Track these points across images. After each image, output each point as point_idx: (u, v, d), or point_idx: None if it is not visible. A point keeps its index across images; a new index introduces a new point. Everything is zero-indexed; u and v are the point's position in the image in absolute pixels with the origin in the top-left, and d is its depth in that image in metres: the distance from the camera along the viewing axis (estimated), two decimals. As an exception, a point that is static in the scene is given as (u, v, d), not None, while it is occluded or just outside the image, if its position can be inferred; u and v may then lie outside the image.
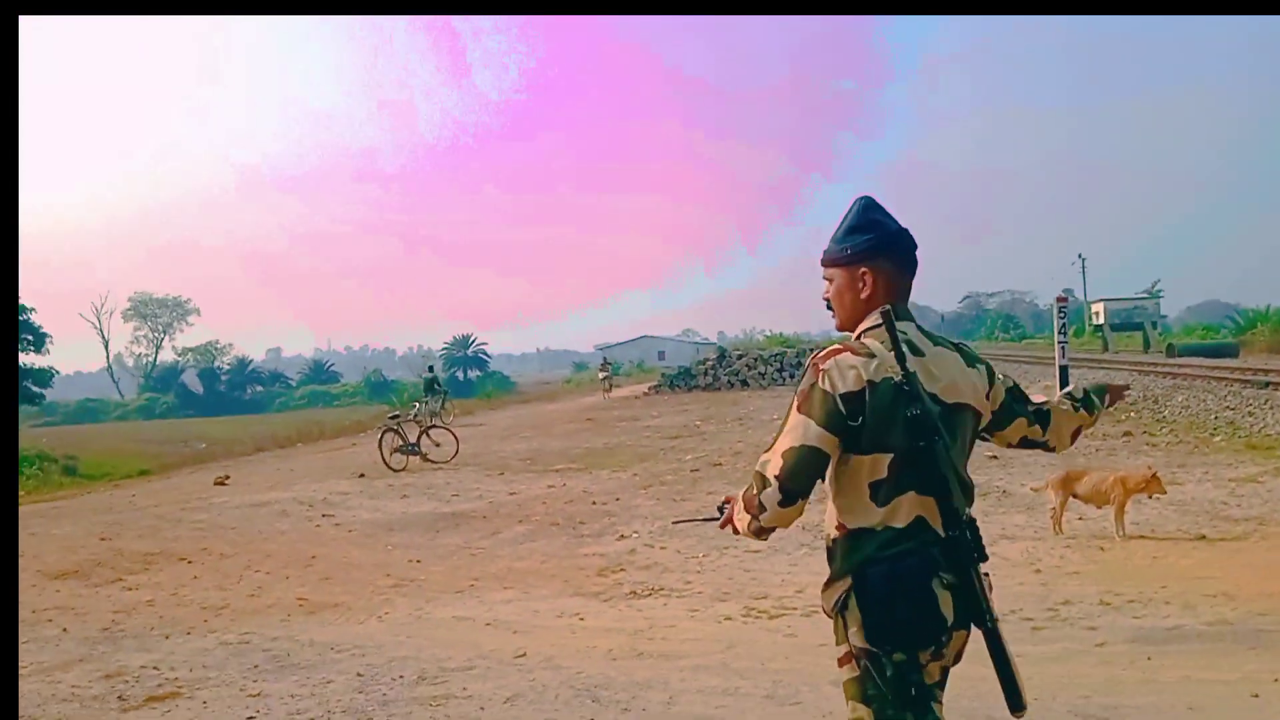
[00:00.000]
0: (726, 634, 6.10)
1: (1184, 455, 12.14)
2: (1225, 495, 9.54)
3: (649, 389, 31.81)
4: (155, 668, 5.88)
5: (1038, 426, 2.53)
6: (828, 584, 2.28)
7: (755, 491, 2.22)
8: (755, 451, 14.77)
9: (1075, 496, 8.36)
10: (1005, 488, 10.60)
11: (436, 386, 28.14)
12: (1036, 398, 2.58)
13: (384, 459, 16.17)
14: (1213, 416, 15.11)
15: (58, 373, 31.38)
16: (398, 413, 19.82)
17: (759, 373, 29.21)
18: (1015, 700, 2.14)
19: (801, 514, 2.22)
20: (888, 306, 2.24)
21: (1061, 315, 17.89)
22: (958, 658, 2.28)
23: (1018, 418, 2.48)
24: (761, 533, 2.27)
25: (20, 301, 29.45)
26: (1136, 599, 6.29)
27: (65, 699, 5.36)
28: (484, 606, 7.19)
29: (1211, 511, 8.90)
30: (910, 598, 2.13)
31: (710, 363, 30.86)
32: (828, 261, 2.39)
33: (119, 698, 5.33)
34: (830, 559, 2.28)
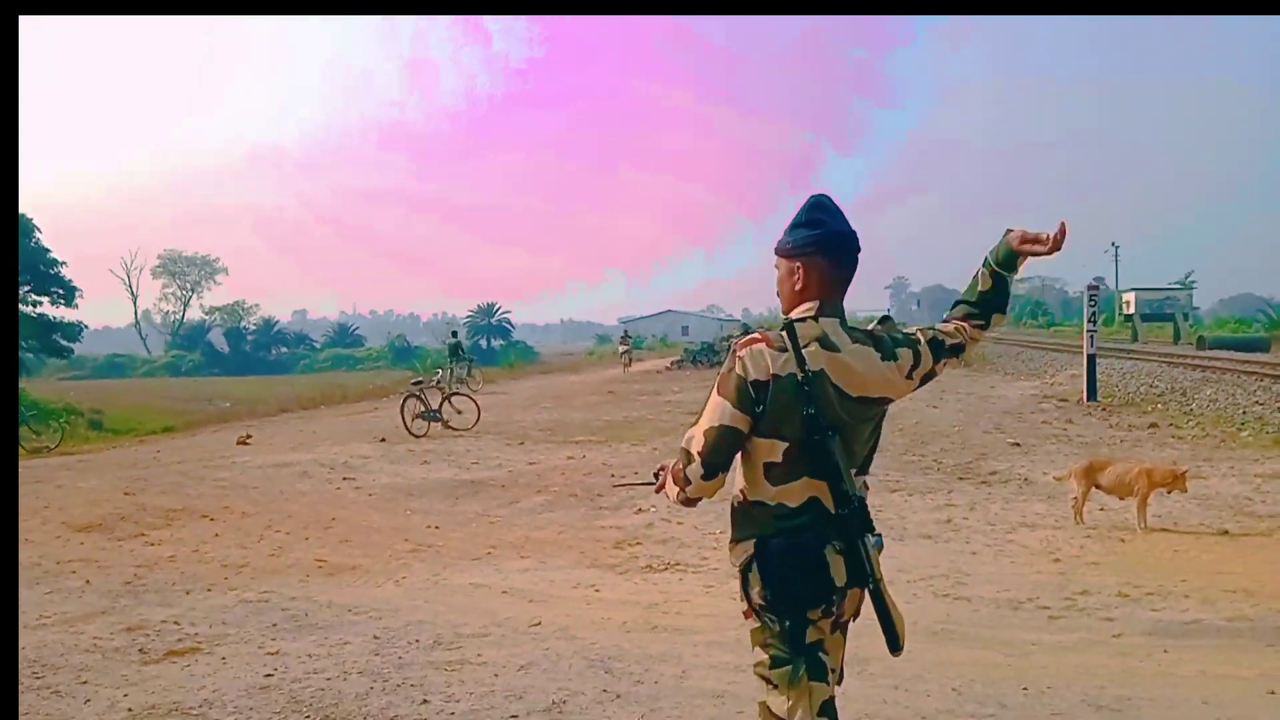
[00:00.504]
0: (740, 611, 6.10)
1: (1210, 449, 12.02)
2: (1250, 491, 9.44)
3: (671, 364, 31.81)
4: (176, 622, 5.97)
5: (957, 355, 2.69)
6: (732, 544, 2.54)
7: (682, 466, 2.47)
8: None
9: (1098, 487, 8.29)
10: (1026, 475, 10.54)
11: (460, 352, 28.26)
12: (946, 327, 2.67)
13: (405, 424, 16.27)
14: (1241, 411, 14.94)
15: (86, 327, 31.70)
16: (421, 378, 19.92)
17: (782, 350, 29.16)
18: (893, 643, 2.49)
19: (723, 485, 2.49)
20: (815, 302, 2.50)
21: (1092, 303, 17.71)
22: (856, 614, 2.56)
23: (942, 360, 2.63)
24: (688, 502, 2.54)
25: (51, 255, 29.80)
26: (1155, 592, 6.24)
27: (87, 649, 5.46)
28: (500, 575, 7.23)
29: (1235, 507, 8.81)
30: (804, 569, 2.41)
31: (733, 339, 30.82)
32: (776, 251, 2.62)
33: (139, 650, 5.42)
34: (732, 521, 2.56)
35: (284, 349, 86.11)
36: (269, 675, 4.90)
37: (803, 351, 2.40)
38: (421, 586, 6.94)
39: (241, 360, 77.85)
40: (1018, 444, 12.42)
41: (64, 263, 29.80)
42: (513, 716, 4.30)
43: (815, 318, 2.48)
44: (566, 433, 16.02)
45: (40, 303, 29.19)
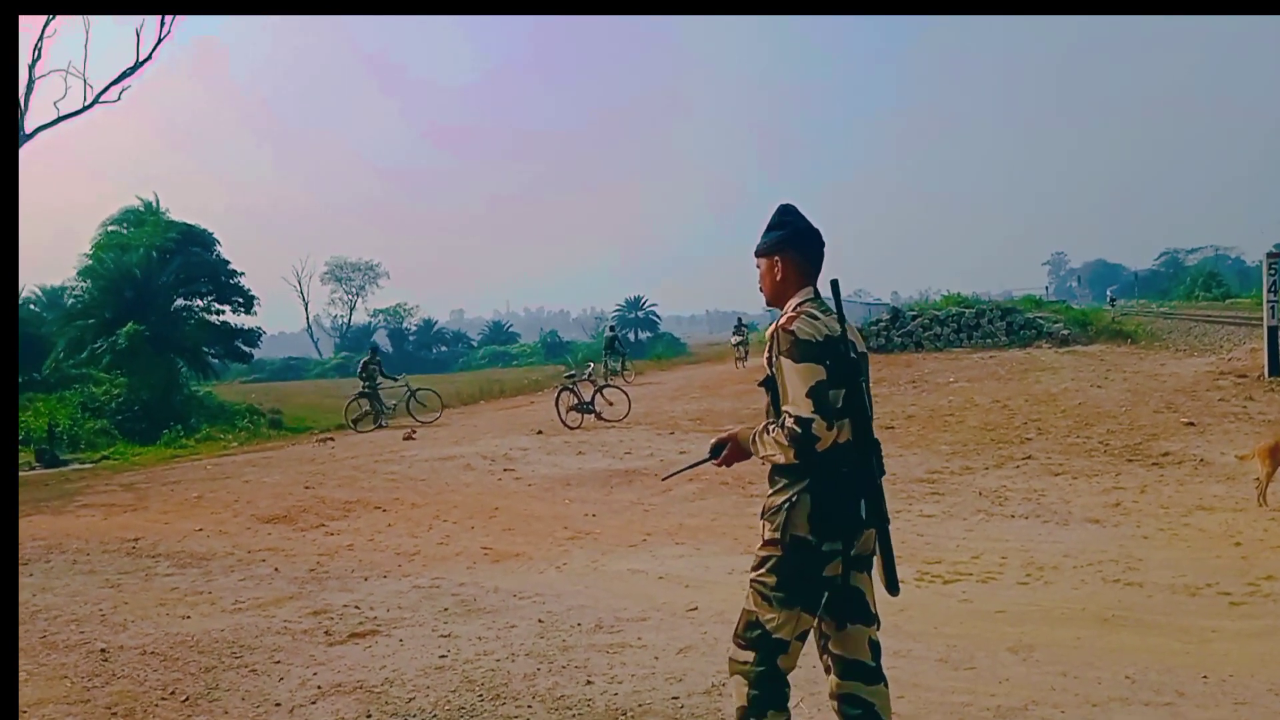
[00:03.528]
0: (899, 597, 6.04)
1: None
2: None
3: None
4: (356, 607, 6.37)
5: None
6: (780, 487, 2.92)
7: (801, 431, 2.77)
8: (929, 415, 14.43)
9: (1285, 467, 7.78)
10: (1202, 456, 9.96)
11: (617, 345, 28.73)
12: None
13: (560, 417, 16.70)
14: None
15: (264, 332, 33.78)
16: (573, 372, 20.36)
17: (934, 334, 28.20)
18: (894, 583, 2.99)
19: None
20: (835, 279, 2.96)
21: (1273, 272, 16.49)
22: (881, 554, 2.98)
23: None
24: (807, 456, 2.82)
25: (231, 266, 31.84)
26: (1352, 578, 5.83)
27: (279, 632, 5.89)
28: (656, 561, 7.38)
29: None
30: (844, 501, 2.86)
31: (883, 323, 30.03)
32: (756, 253, 3.14)
33: (325, 633, 5.81)
34: (779, 469, 2.93)
35: (443, 347, 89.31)
36: (443, 656, 5.19)
37: (844, 312, 2.95)
38: (581, 572, 7.17)
39: (404, 360, 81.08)
40: (1192, 423, 11.73)
41: (243, 273, 31.82)
42: (674, 698, 4.41)
43: (816, 298, 3.02)
44: (715, 421, 16.09)
45: (223, 311, 31.27)
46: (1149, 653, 4.73)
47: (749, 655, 2.97)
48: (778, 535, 2.89)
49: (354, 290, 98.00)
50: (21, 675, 5.23)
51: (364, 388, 20.57)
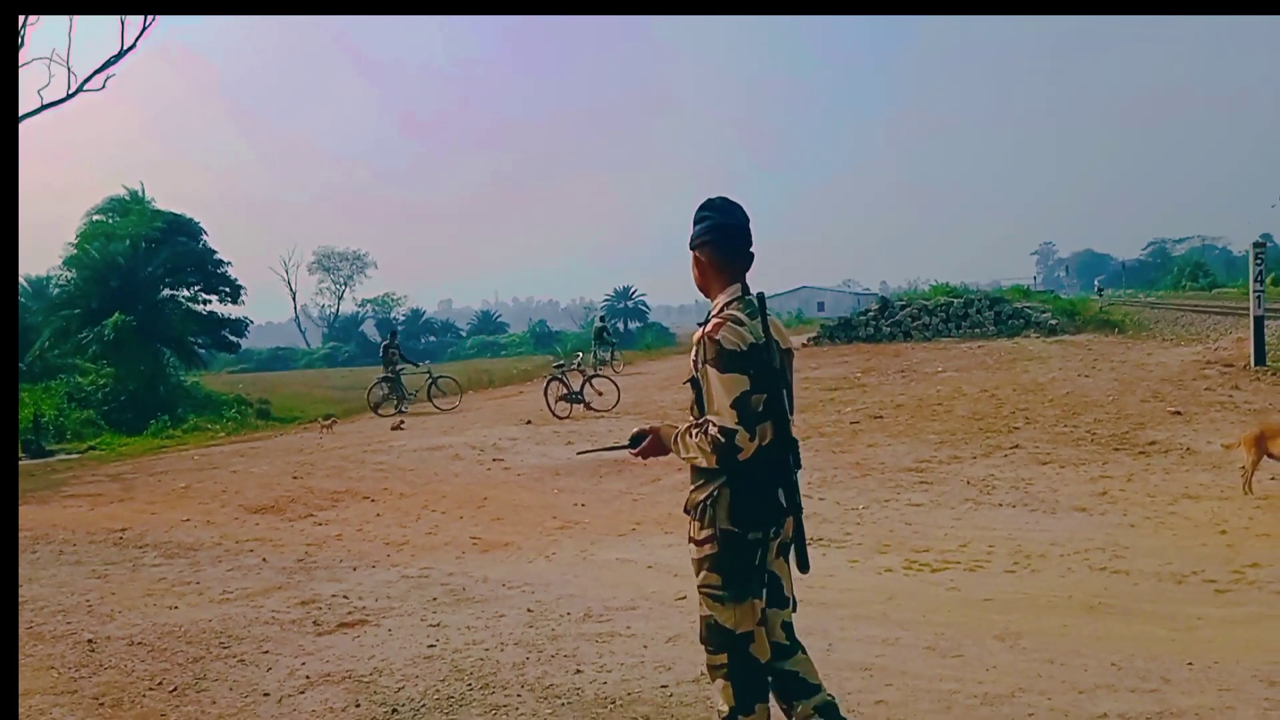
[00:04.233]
0: (886, 585, 6.07)
1: (1399, 413, 11.13)
2: None
3: (807, 340, 31.43)
4: (345, 596, 6.36)
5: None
6: (700, 481, 3.01)
7: (725, 440, 2.84)
8: (918, 405, 14.48)
9: (1270, 455, 7.82)
10: (1189, 445, 10.02)
11: (606, 335, 28.73)
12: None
13: (549, 406, 16.68)
14: None
15: (251, 322, 33.54)
16: (562, 362, 20.34)
17: (923, 324, 28.29)
18: (804, 563, 3.05)
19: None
20: (760, 292, 3.07)
21: (1258, 262, 16.58)
22: (793, 538, 3.05)
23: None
24: (727, 464, 2.90)
25: (218, 256, 31.65)
26: (1336, 565, 5.88)
27: (267, 622, 5.88)
28: (645, 550, 7.39)
29: None
30: (766, 496, 2.96)
31: (872, 313, 30.12)
32: (689, 245, 3.19)
33: (314, 623, 5.80)
34: (697, 469, 3.02)
35: (432, 337, 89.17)
36: (431, 646, 5.18)
37: (769, 320, 3.03)
38: (571, 562, 7.17)
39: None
40: (1178, 412, 11.79)
41: (229, 263, 31.63)
42: (662, 687, 4.42)
43: (743, 297, 3.05)
44: (705, 411, 16.07)
45: (209, 301, 31.07)
46: (1135, 640, 4.76)
47: (721, 657, 3.02)
48: (708, 531, 2.97)
49: (342, 280, 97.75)
50: (7, 666, 5.21)
51: (386, 372, 20.52)
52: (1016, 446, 10.65)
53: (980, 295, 30.70)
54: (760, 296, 3.07)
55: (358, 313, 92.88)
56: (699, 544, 3.01)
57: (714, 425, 2.87)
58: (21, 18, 20.53)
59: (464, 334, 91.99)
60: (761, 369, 2.93)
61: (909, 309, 29.38)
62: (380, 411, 20.08)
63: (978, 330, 27.45)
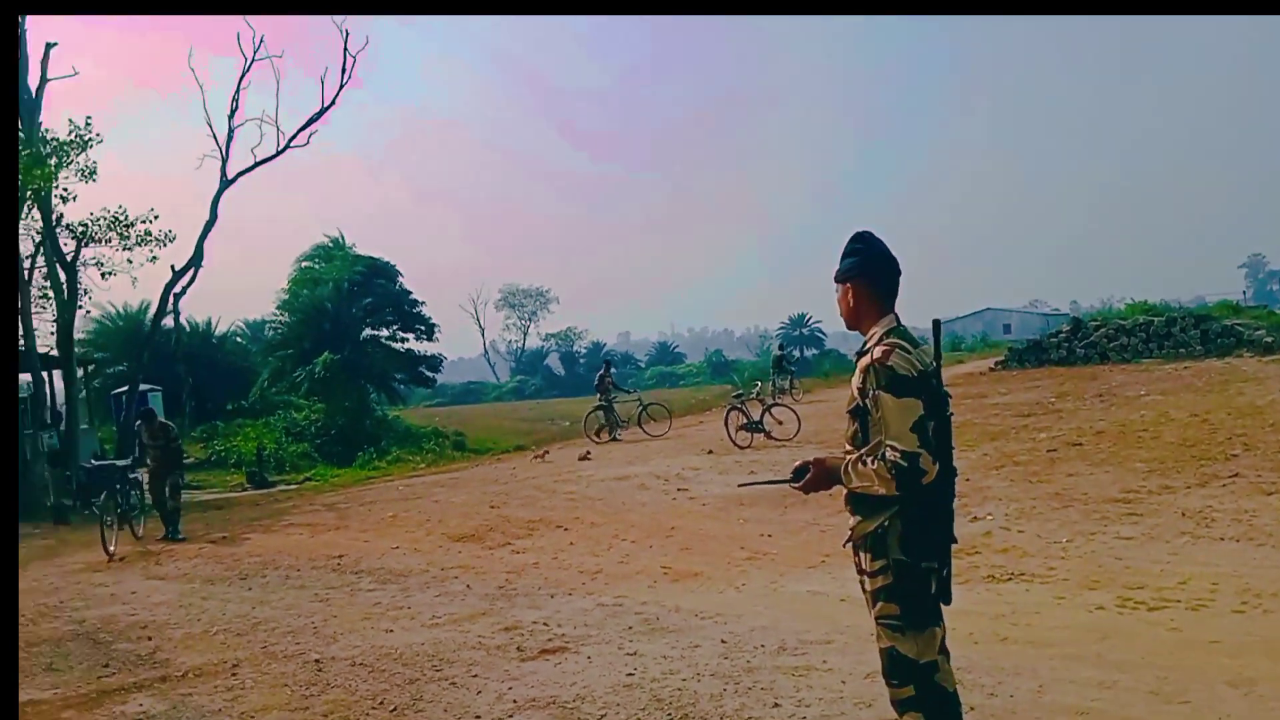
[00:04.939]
0: (1099, 624, 5.77)
1: None
2: None
3: (994, 364, 30.17)
4: (545, 623, 6.60)
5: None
6: (868, 515, 3.03)
7: (907, 465, 2.84)
8: (1120, 431, 13.66)
9: None
10: None
11: (785, 364, 28.60)
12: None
13: (730, 436, 16.73)
14: None
15: (445, 358, 35.40)
16: (741, 391, 20.38)
17: (1121, 345, 26.62)
18: (946, 593, 3.03)
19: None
20: (936, 320, 3.27)
21: None
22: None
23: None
24: (910, 490, 2.90)
25: (413, 296, 33.53)
26: None
27: (474, 646, 6.17)
28: (837, 583, 7.29)
29: None
30: (943, 525, 3.00)
31: (1064, 334, 28.59)
32: (835, 279, 3.25)
33: (517, 648, 6.05)
34: (863, 500, 3.03)
35: (613, 369, 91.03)
36: (630, 675, 5.31)
37: (940, 348, 3.15)
38: (761, 593, 7.18)
39: (576, 381, 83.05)
40: None
41: (424, 302, 33.57)
42: (863, 722, 4.37)
43: (898, 326, 3.11)
44: (892, 440, 15.70)
45: (406, 339, 33.09)
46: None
47: (908, 690, 3.02)
48: (881, 562, 3.00)
49: (526, 316, 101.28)
50: (246, 683, 5.70)
51: (600, 400, 21.22)
52: (1236, 475, 9.88)
53: (1184, 313, 28.66)
54: (936, 324, 3.17)
55: (542, 347, 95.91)
56: (871, 575, 3.03)
57: (893, 450, 2.87)
58: (234, 83, 22.55)
59: (642, 365, 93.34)
60: (931, 395, 2.97)
61: (1104, 329, 27.75)
62: (596, 439, 20.64)
63: (1183, 350, 25.60)
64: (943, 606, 3.08)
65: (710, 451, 16.07)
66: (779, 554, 8.58)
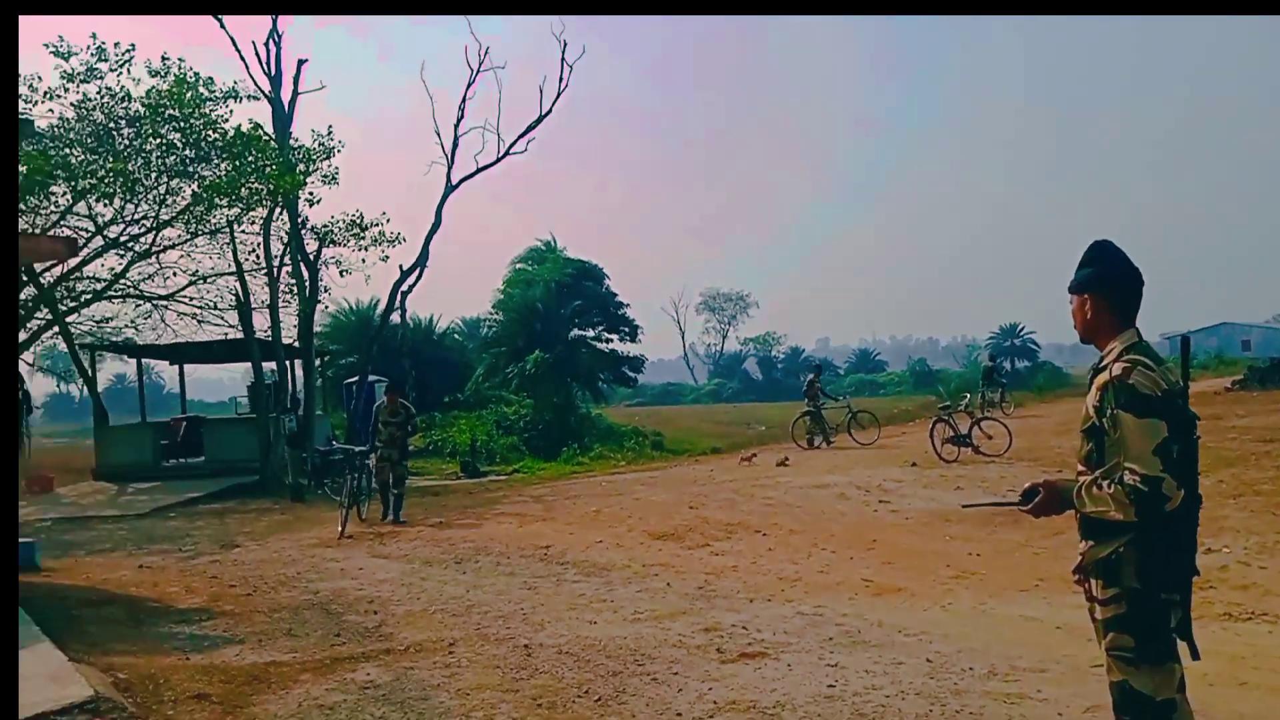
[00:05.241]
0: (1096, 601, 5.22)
1: None
2: None
3: (1231, 384, 27.72)
4: (744, 627, 6.63)
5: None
6: (1101, 540, 2.88)
7: (1149, 490, 2.68)
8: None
9: None
10: None
11: (996, 376, 27.47)
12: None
13: (935, 449, 16.20)
14: None
15: (647, 359, 36.28)
16: (948, 403, 19.69)
17: (1391, 364, 23.92)
18: (1184, 632, 2.86)
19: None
20: (1185, 335, 3.08)
21: None
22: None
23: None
24: (1150, 518, 2.73)
25: (619, 298, 34.46)
26: None
27: (675, 644, 6.28)
28: (1052, 609, 6.95)
29: None
30: (1176, 551, 2.81)
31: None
32: (1068, 289, 3.11)
33: (717, 650, 6.11)
34: (1097, 524, 2.88)
35: (810, 375, 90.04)
36: (831, 686, 5.26)
37: (1188, 366, 2.95)
38: (968, 613, 6.94)
39: (773, 386, 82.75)
40: None
41: (628, 304, 34.51)
42: (1081, 758, 4.16)
43: (1139, 342, 2.94)
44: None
45: (611, 340, 34.19)
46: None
47: None
48: (1114, 590, 2.85)
49: (726, 319, 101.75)
50: (462, 661, 6.03)
51: (808, 406, 21.25)
52: None
53: None
54: (1184, 341, 3.03)
55: (740, 351, 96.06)
56: (1103, 604, 2.88)
57: (1133, 474, 2.71)
58: (459, 94, 23.84)
59: (842, 371, 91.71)
60: (1176, 416, 2.78)
61: (1372, 348, 24.93)
62: (804, 444, 20.59)
63: None
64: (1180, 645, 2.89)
65: (914, 464, 15.63)
66: (988, 574, 8.26)
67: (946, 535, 10.08)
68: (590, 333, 34.16)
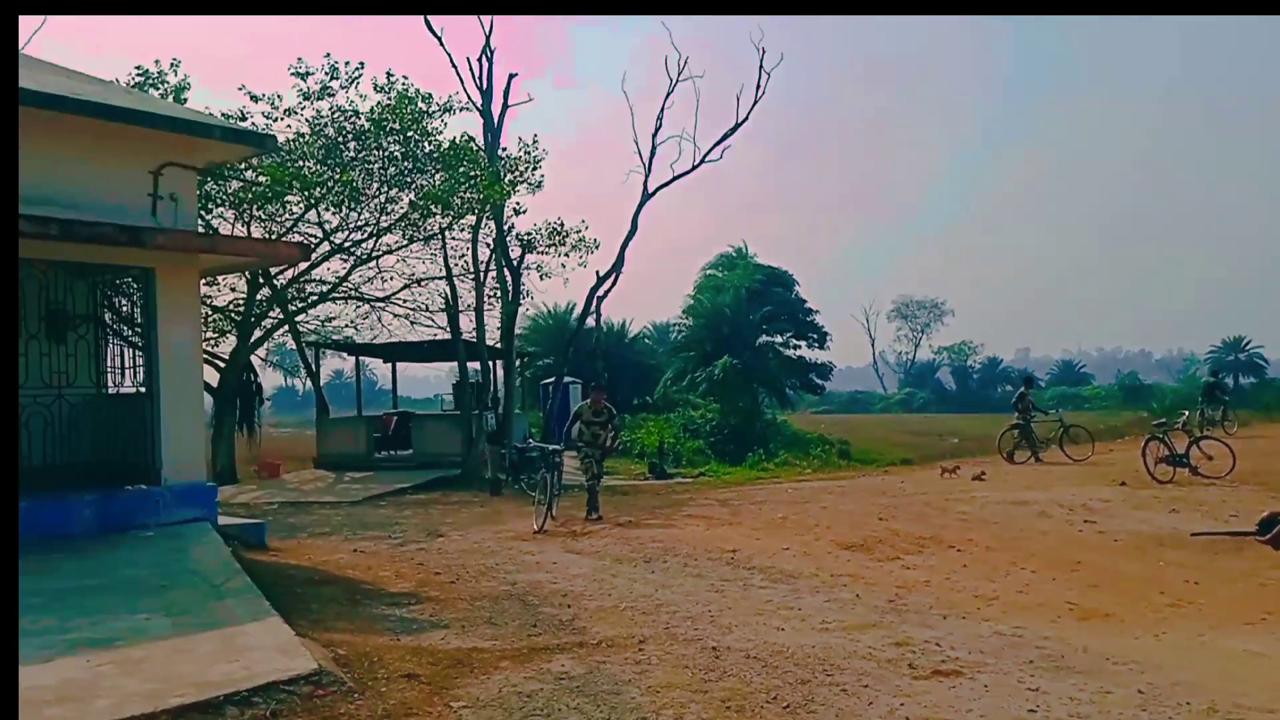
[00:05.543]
0: None
1: None
2: None
3: None
4: (937, 644, 6.46)
5: None
6: None
7: None
8: None
9: None
10: None
11: (1219, 393, 25.47)
12: None
13: (1147, 468, 15.17)
14: None
15: (835, 366, 35.76)
16: (1163, 420, 18.40)
17: None
18: None
19: None
20: None
21: None
22: None
23: None
24: None
25: (808, 305, 34.15)
26: None
27: (864, 657, 6.19)
28: (1282, 645, 6.43)
29: None
30: None
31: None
32: None
33: (909, 665, 5.99)
34: None
35: (1008, 387, 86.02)
36: (1032, 711, 5.06)
37: None
38: (1185, 645, 6.51)
39: (968, 397, 79.76)
40: None
41: (817, 311, 34.18)
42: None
43: None
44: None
45: (799, 346, 33.94)
46: None
47: None
48: None
49: (919, 328, 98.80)
50: (652, 659, 6.15)
51: (1017, 419, 20.58)
52: None
53: None
54: None
55: (934, 360, 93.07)
56: None
57: None
58: (658, 105, 24.21)
59: (1042, 384, 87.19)
60: None
61: None
62: (1013, 459, 19.86)
63: None
64: None
65: (1123, 483, 14.70)
66: (1207, 604, 7.72)
67: (1161, 560, 9.46)
68: (778, 339, 34.02)
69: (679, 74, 24.61)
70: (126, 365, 11.14)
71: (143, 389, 10.18)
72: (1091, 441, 20.18)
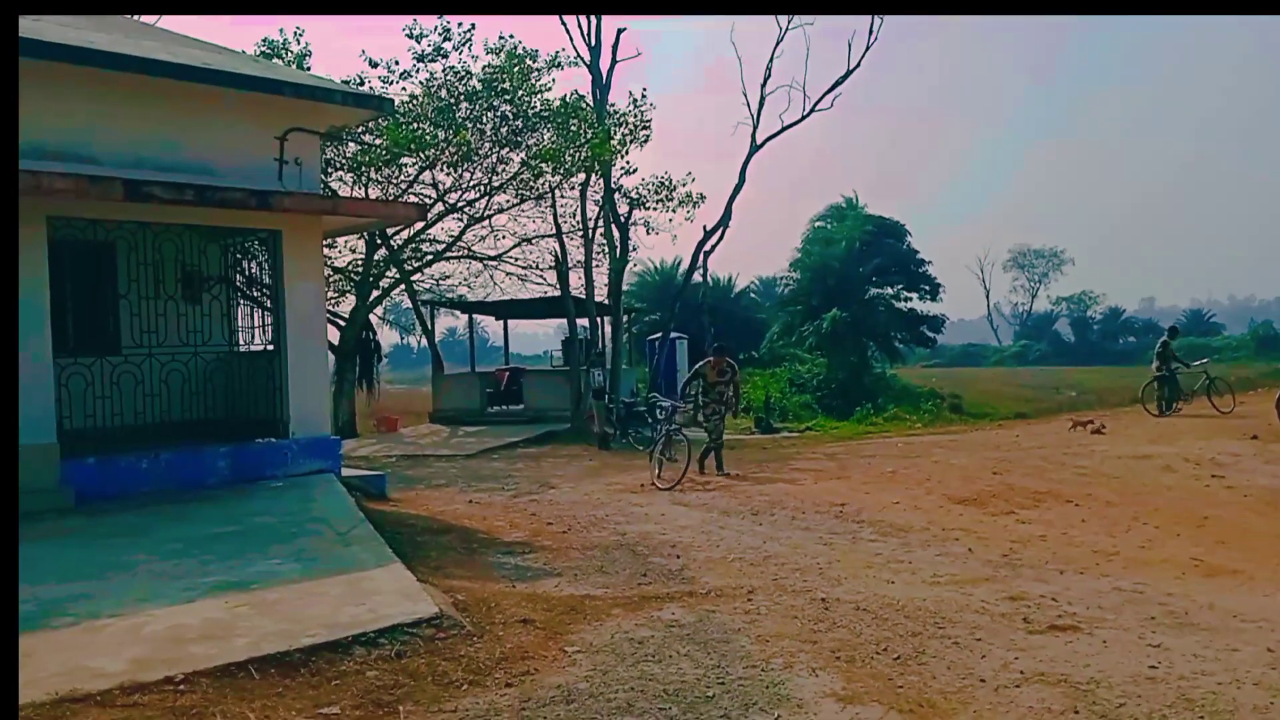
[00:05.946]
0: None
1: None
2: None
3: None
4: (1053, 599, 6.35)
5: None
6: None
7: None
8: None
9: None
10: None
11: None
12: None
13: (1284, 422, 14.47)
14: None
15: (947, 319, 34.79)
16: (1303, 372, 17.46)
17: None
18: None
19: None
20: None
21: None
22: None
23: None
24: None
25: (920, 256, 33.25)
26: None
27: (977, 610, 6.13)
28: None
29: None
30: None
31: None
32: None
33: (1023, 620, 5.90)
34: None
35: (1132, 338, 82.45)
36: (1153, 667, 4.95)
37: None
38: (1323, 605, 6.24)
39: (1087, 350, 76.75)
40: None
41: (930, 262, 33.27)
42: None
43: None
44: None
45: (910, 298, 33.10)
46: None
47: None
48: None
49: (1036, 278, 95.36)
50: (761, 609, 6.22)
51: (1158, 371, 19.90)
52: None
53: None
54: None
55: (1051, 311, 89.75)
56: None
57: None
58: (767, 54, 23.77)
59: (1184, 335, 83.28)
60: None
61: None
62: (1154, 411, 19.20)
63: None
64: None
65: (1254, 437, 14.04)
66: (1347, 563, 7.36)
67: (1294, 517, 9.05)
68: (889, 291, 33.26)
69: (788, 23, 24.15)
70: (255, 324, 11.67)
71: (271, 346, 10.65)
72: (1233, 393, 19.32)
